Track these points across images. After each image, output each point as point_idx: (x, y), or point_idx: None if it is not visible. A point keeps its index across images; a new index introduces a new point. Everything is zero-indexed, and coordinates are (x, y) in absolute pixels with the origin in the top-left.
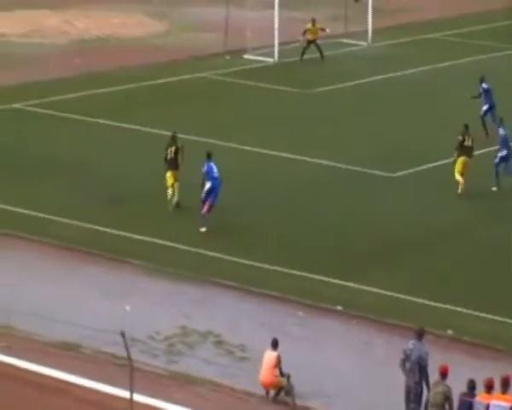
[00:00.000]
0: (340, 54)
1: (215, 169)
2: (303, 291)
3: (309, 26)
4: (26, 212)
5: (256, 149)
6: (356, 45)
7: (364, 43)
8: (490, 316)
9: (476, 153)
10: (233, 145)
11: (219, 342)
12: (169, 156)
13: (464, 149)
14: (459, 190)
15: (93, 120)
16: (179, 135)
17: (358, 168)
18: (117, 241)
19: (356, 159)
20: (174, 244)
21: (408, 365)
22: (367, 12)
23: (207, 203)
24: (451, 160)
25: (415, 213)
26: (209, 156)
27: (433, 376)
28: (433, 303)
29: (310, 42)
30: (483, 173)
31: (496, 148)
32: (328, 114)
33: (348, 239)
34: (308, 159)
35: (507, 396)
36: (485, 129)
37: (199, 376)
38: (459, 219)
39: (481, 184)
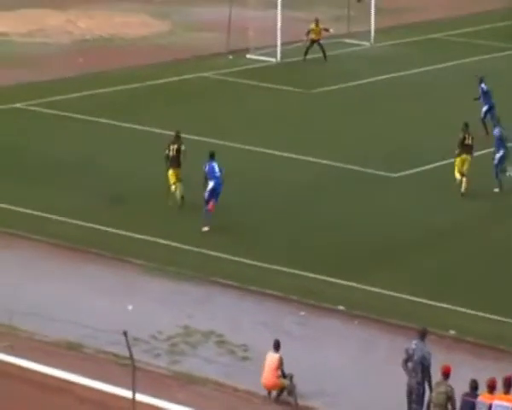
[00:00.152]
0: (343, 54)
1: (216, 168)
2: (305, 291)
3: (312, 26)
4: (27, 211)
5: (258, 149)
6: (358, 45)
7: (367, 44)
8: (492, 316)
9: (477, 153)
10: (236, 145)
11: (221, 342)
12: (171, 154)
13: (464, 148)
14: (462, 189)
15: (95, 119)
16: (182, 135)
17: (360, 168)
18: (119, 240)
19: (358, 159)
20: (176, 244)
21: (410, 364)
22: (370, 12)
23: (211, 203)
24: (453, 160)
25: (417, 214)
26: (212, 156)
27: (436, 376)
28: (435, 303)
29: (313, 42)
30: (484, 174)
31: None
32: (330, 114)
33: (350, 239)
34: (310, 159)
35: (509, 396)
36: (486, 128)
37: (201, 375)
38: (461, 220)
39: (482, 185)
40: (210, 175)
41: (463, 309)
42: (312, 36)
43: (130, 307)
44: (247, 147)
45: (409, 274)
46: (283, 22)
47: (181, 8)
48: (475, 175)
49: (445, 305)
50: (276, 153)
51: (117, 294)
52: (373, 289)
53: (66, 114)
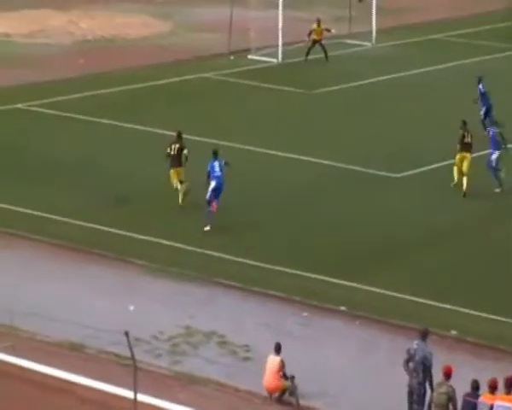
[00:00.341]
0: (344, 54)
1: (217, 168)
2: (307, 291)
3: (314, 26)
4: (28, 211)
5: (260, 150)
6: (360, 46)
7: (368, 44)
8: (492, 316)
9: (478, 153)
10: (237, 145)
11: (223, 343)
12: (172, 152)
13: (464, 146)
14: (464, 189)
15: (97, 120)
16: (183, 135)
17: (362, 169)
18: (120, 241)
19: (359, 159)
20: (178, 244)
21: (412, 364)
22: (371, 12)
23: (213, 203)
24: (453, 160)
25: (418, 214)
26: (215, 154)
27: (437, 376)
28: (436, 304)
29: (315, 42)
30: (484, 174)
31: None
32: (331, 114)
33: (351, 239)
34: (312, 159)
35: (511, 397)
36: (486, 129)
37: (202, 376)
38: (461, 220)
39: (482, 185)
40: (211, 175)
41: (464, 309)
42: (314, 36)
43: (131, 308)
44: (248, 147)
45: (410, 274)
46: (285, 23)
47: (182, 9)
48: (475, 175)
49: (446, 305)
50: (278, 153)
51: (119, 294)
52: (374, 289)
53: (68, 114)
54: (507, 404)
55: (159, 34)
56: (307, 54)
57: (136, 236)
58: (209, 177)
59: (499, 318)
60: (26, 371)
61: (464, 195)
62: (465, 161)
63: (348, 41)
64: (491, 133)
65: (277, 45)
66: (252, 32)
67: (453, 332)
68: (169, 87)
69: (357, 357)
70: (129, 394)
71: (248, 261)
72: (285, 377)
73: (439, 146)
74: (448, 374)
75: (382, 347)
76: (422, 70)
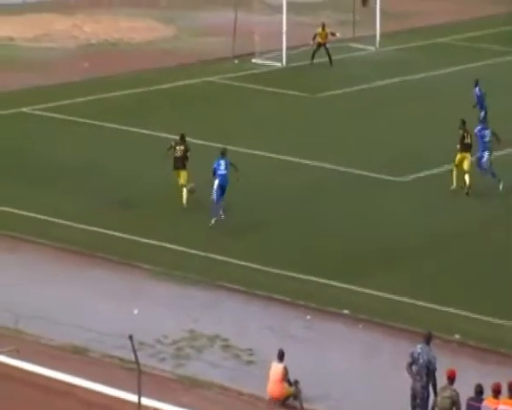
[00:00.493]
0: (348, 58)
1: (222, 166)
2: (310, 295)
3: (319, 30)
4: (32, 215)
5: (264, 153)
6: (364, 50)
7: (372, 48)
8: (494, 320)
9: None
10: (241, 149)
11: (227, 346)
12: (178, 154)
13: (464, 146)
14: (467, 185)
15: (101, 123)
16: (187, 139)
17: (365, 172)
18: (125, 244)
19: (363, 163)
20: (182, 248)
21: (415, 368)
22: (375, 16)
23: (220, 203)
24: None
25: (420, 218)
26: (222, 153)
27: (441, 380)
28: (439, 307)
29: (320, 45)
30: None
31: (498, 152)
32: (335, 118)
33: (355, 243)
34: (316, 163)
35: None
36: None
37: (206, 379)
38: (464, 223)
39: (482, 185)
40: (216, 172)
41: (466, 312)
42: (319, 39)
43: (135, 312)
44: (252, 151)
45: (412, 277)
46: (289, 27)
47: (186, 13)
48: (475, 175)
49: (449, 309)
50: (281, 157)
51: (123, 298)
52: (377, 292)
53: (72, 118)
54: (510, 408)
55: (163, 38)
56: (312, 57)
57: (139, 239)
58: (214, 174)
59: (501, 321)
60: (30, 375)
61: (467, 193)
62: (465, 160)
63: (352, 45)
64: (485, 134)
65: (281, 49)
66: (256, 36)
67: (457, 336)
68: (173, 91)
69: (361, 360)
70: (133, 397)
71: (252, 265)
72: (289, 383)
73: (442, 150)
74: (452, 378)
75: (385, 350)
76: (426, 74)
